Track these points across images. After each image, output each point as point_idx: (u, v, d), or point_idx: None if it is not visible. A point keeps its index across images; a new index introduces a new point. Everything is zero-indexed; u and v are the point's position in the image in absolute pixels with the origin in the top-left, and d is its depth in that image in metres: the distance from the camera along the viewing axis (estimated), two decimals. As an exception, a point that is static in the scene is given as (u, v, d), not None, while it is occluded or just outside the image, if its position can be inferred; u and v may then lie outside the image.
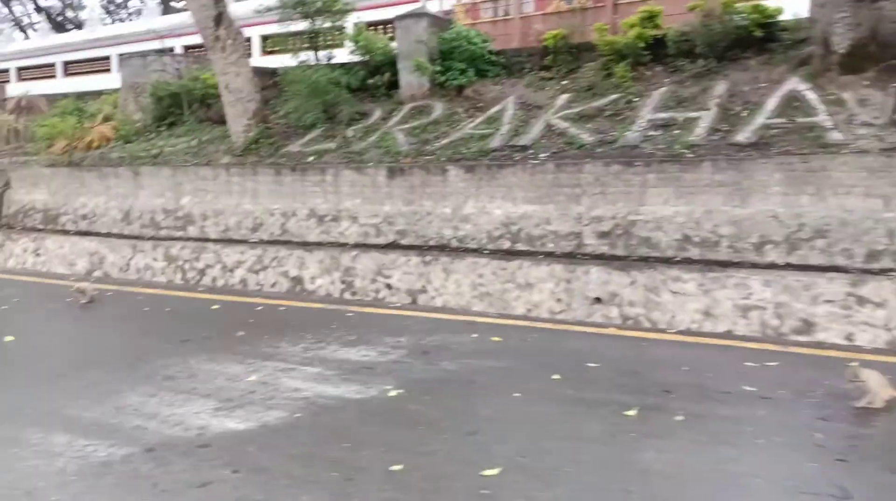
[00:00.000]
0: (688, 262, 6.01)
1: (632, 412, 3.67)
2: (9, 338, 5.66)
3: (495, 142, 7.93)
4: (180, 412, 3.96)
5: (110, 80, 17.50)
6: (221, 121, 10.95)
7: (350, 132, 9.36)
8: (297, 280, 8.16)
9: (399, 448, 3.41)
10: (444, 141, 8.46)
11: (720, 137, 6.71)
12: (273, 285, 8.31)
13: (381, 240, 7.95)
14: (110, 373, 4.74)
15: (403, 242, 7.82)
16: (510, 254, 6.96)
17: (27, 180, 11.10)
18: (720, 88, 7.52)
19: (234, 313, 6.67)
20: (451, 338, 5.40)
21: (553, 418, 3.73)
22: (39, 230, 10.72)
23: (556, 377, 4.29)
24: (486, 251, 7.16)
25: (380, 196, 7.98)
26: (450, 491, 2.97)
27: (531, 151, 7.50)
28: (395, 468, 3.17)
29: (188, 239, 9.26)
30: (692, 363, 4.51)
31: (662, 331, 5.41)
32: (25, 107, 15.15)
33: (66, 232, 10.42)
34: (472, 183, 7.43)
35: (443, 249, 7.48)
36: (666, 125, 7.17)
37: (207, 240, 9.13)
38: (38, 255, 10.42)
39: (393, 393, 4.16)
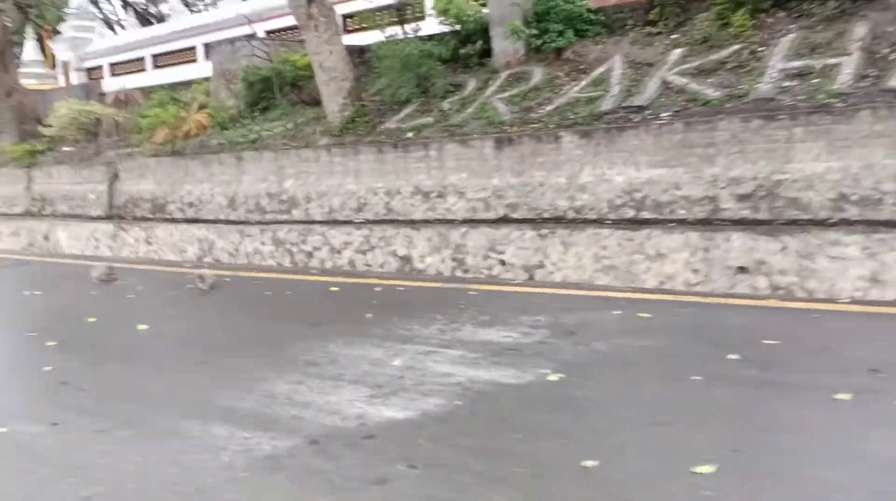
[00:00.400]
0: (846, 223, 5.38)
1: (845, 396, 3.19)
2: (142, 327, 5.63)
3: (606, 104, 7.41)
4: (334, 401, 3.74)
5: (197, 69, 17.74)
6: (314, 102, 10.82)
7: (446, 105, 9.01)
8: (406, 259, 7.93)
9: (582, 441, 3.07)
10: (549, 107, 8.00)
11: (870, 84, 5.97)
12: (382, 266, 8.11)
13: (491, 215, 7.58)
14: (251, 359, 4.60)
15: (515, 215, 7.44)
16: (635, 223, 6.47)
17: (134, 171, 11.30)
18: (860, 30, 6.71)
19: (355, 294, 6.48)
20: (591, 316, 5.00)
21: (751, 405, 3.29)
22: (148, 219, 10.91)
23: (733, 357, 3.83)
24: (607, 222, 6.69)
25: (487, 169, 7.60)
26: (664, 493, 2.60)
27: (649, 112, 6.94)
28: (589, 464, 2.82)
29: (294, 222, 9.18)
30: (888, 337, 3.95)
31: (829, 301, 4.84)
32: (124, 100, 15.50)
33: (174, 220, 10.55)
34: (588, 149, 6.94)
35: (559, 221, 7.07)
36: (802, 74, 6.46)
37: (313, 222, 9.02)
38: (149, 243, 10.61)
39: (553, 378, 3.82)
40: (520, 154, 7.36)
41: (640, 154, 6.56)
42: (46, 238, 12.38)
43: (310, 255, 8.77)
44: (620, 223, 6.55)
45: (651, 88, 7.33)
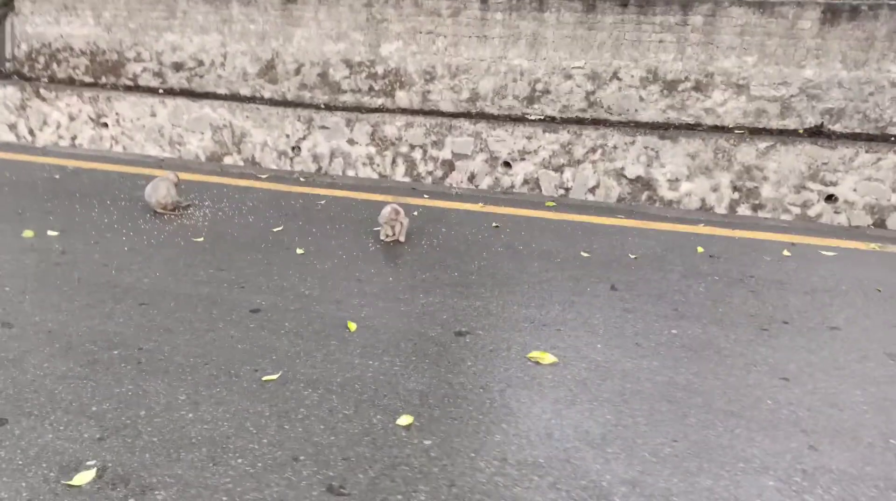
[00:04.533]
0: None
1: None
2: (549, 361, 2.36)
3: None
4: None
5: None
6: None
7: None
8: (643, 184, 5.10)
9: None
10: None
11: None
12: (592, 191, 5.17)
13: (790, 123, 4.99)
14: None
15: (836, 128, 4.92)
16: None
17: (51, 2, 6.53)
18: None
19: (750, 261, 3.58)
20: None
21: None
22: (88, 85, 6.44)
23: None
24: None
25: (796, 53, 4.90)
26: None
27: None
28: None
29: (401, 111, 5.69)
30: None
31: None
32: None
33: (150, 90, 6.28)
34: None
35: (930, 142, 4.71)
36: None
37: (438, 114, 5.63)
38: (101, 125, 6.26)
39: None
40: (865, 35, 4.73)
41: None
42: None
43: (448, 166, 5.45)
44: None
45: None
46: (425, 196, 4.66)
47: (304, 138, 5.82)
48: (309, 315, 2.69)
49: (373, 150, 5.66)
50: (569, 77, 5.44)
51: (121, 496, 1.68)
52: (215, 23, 6.18)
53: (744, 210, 4.95)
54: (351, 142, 5.70)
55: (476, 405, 2.09)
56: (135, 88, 6.46)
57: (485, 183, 5.44)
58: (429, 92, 5.77)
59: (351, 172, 5.74)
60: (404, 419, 2.01)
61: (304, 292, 2.90)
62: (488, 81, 5.61)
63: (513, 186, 5.38)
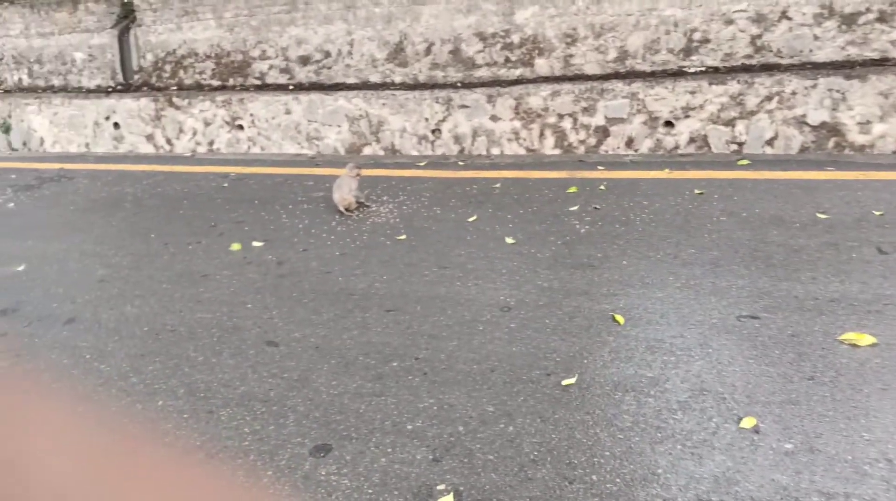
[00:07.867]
0: None
1: None
2: (868, 342, 2.21)
3: None
4: None
5: None
6: None
7: None
8: (829, 130, 4.67)
9: None
10: None
11: None
12: (770, 142, 4.80)
13: None
14: None
15: None
16: None
17: (172, 9, 6.61)
18: None
19: None
20: None
21: None
22: (222, 89, 6.51)
23: None
24: None
25: None
26: None
27: None
28: None
29: (543, 80, 5.45)
30: None
31: None
32: None
33: (281, 88, 6.29)
34: None
35: None
36: None
37: (584, 78, 5.35)
38: (237, 127, 6.32)
39: None
40: None
41: None
42: (5, 128, 7.46)
43: (601, 132, 5.19)
44: None
45: None
46: (599, 168, 4.47)
47: (443, 120, 5.72)
48: (564, 310, 2.58)
49: (518, 124, 5.50)
50: (730, 22, 5.08)
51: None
52: (339, 10, 6.12)
53: (952, 148, 4.51)
54: (494, 118, 5.56)
55: (817, 401, 1.93)
56: (263, 87, 6.52)
57: (644, 146, 5.19)
58: (571, 56, 5.53)
59: (496, 150, 5.61)
60: (746, 422, 1.87)
61: (546, 285, 2.80)
62: (637, 37, 5.32)
63: (677, 147, 5.11)
